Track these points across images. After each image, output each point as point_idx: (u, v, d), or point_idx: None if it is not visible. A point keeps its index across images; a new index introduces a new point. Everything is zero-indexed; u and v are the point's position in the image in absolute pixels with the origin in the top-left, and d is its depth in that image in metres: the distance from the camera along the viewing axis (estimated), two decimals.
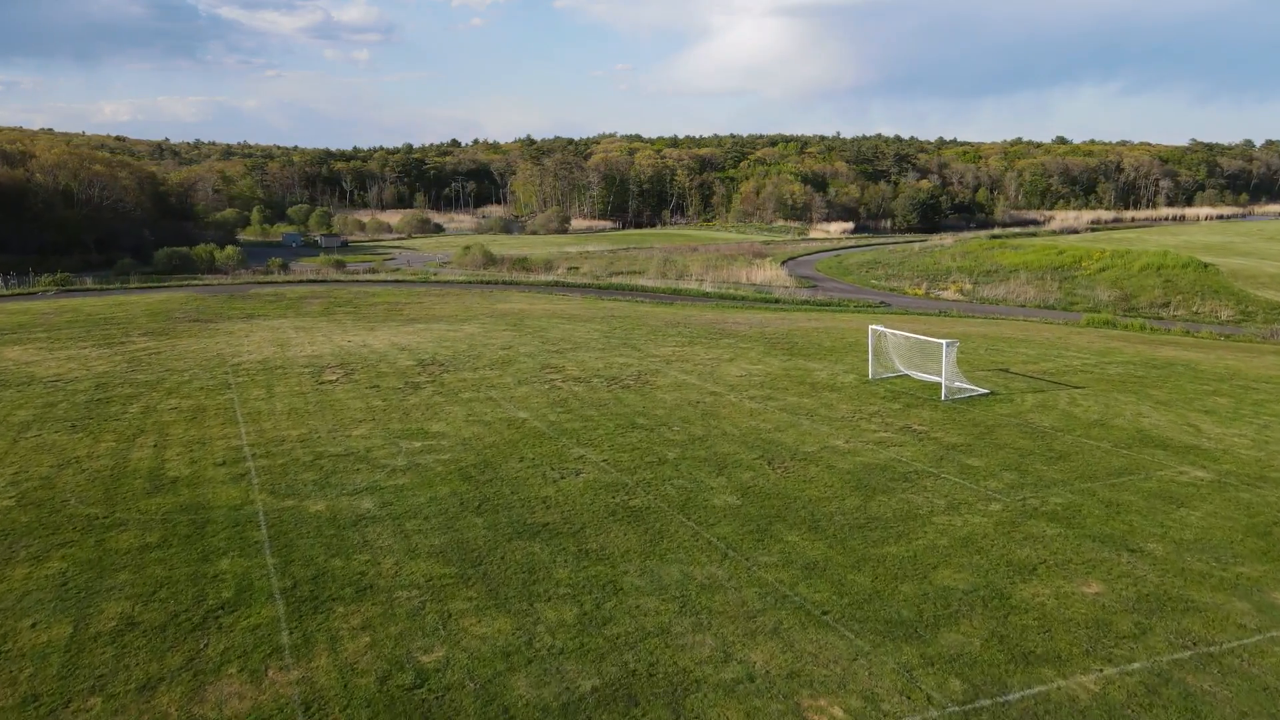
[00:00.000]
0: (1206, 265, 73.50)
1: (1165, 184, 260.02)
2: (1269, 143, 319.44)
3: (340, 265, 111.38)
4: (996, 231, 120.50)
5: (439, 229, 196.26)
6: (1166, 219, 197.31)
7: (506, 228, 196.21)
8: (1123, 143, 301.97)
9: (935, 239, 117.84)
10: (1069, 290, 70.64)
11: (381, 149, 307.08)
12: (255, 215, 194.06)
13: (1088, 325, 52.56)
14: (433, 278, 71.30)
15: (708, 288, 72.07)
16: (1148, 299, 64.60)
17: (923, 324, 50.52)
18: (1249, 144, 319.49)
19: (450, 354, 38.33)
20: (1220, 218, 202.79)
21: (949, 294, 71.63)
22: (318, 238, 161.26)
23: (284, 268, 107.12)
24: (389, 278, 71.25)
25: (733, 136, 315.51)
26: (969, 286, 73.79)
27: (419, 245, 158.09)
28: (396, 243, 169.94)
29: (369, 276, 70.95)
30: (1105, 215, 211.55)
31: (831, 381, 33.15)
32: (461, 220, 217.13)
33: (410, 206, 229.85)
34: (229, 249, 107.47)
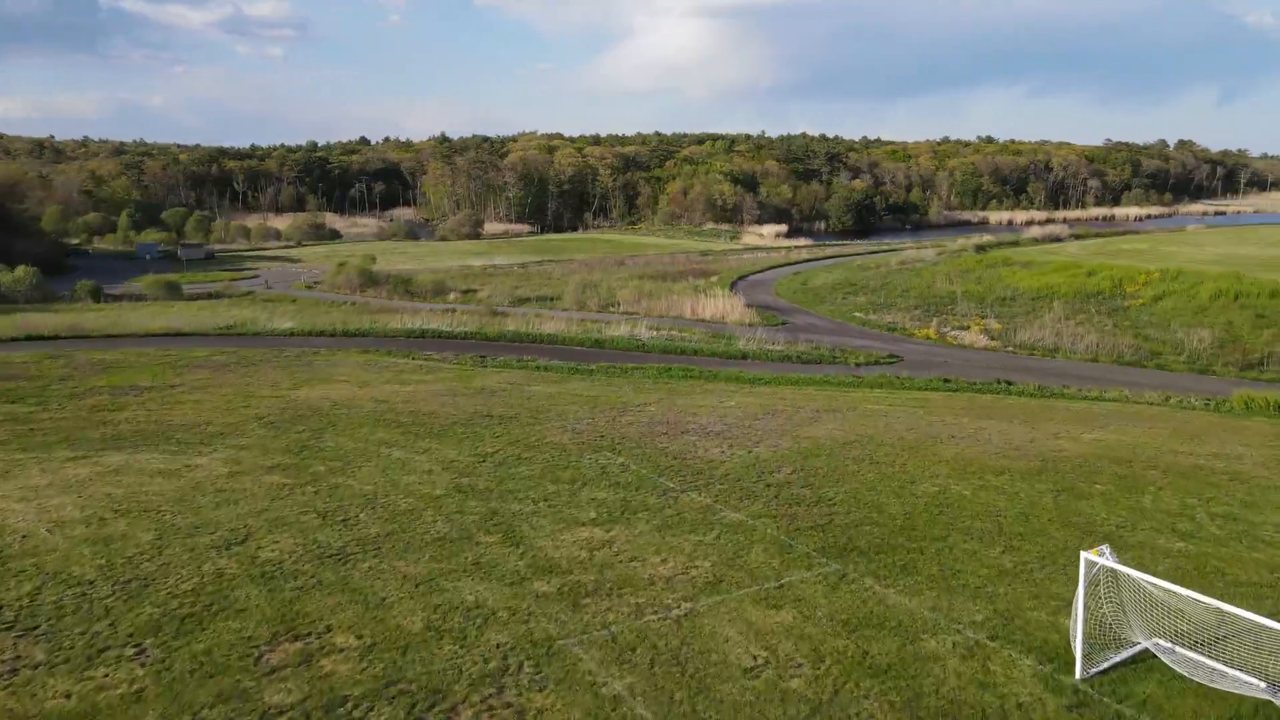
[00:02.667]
0: None
1: (1093, 183, 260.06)
2: (1181, 143, 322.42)
3: (173, 288, 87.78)
4: (983, 241, 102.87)
5: (335, 235, 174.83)
6: (1097, 219, 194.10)
7: (413, 233, 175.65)
8: (1043, 142, 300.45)
9: (910, 250, 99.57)
10: (1134, 329, 52.29)
11: (281, 147, 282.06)
12: (122, 220, 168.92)
13: (1247, 409, 33.80)
14: (232, 330, 49.10)
15: (643, 331, 51.66)
16: (1259, 348, 46.49)
17: (989, 411, 30.91)
18: (1164, 144, 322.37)
19: (53, 605, 17.01)
20: (1149, 218, 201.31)
21: (973, 336, 52.62)
22: (178, 249, 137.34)
23: (94, 294, 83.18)
24: (167, 328, 48.44)
25: (658, 135, 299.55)
26: (995, 325, 54.89)
27: (305, 255, 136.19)
28: (281, 251, 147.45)
29: (133, 329, 48.13)
30: (1038, 215, 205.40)
31: (994, 700, 13.03)
32: (365, 224, 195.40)
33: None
34: (20, 269, 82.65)
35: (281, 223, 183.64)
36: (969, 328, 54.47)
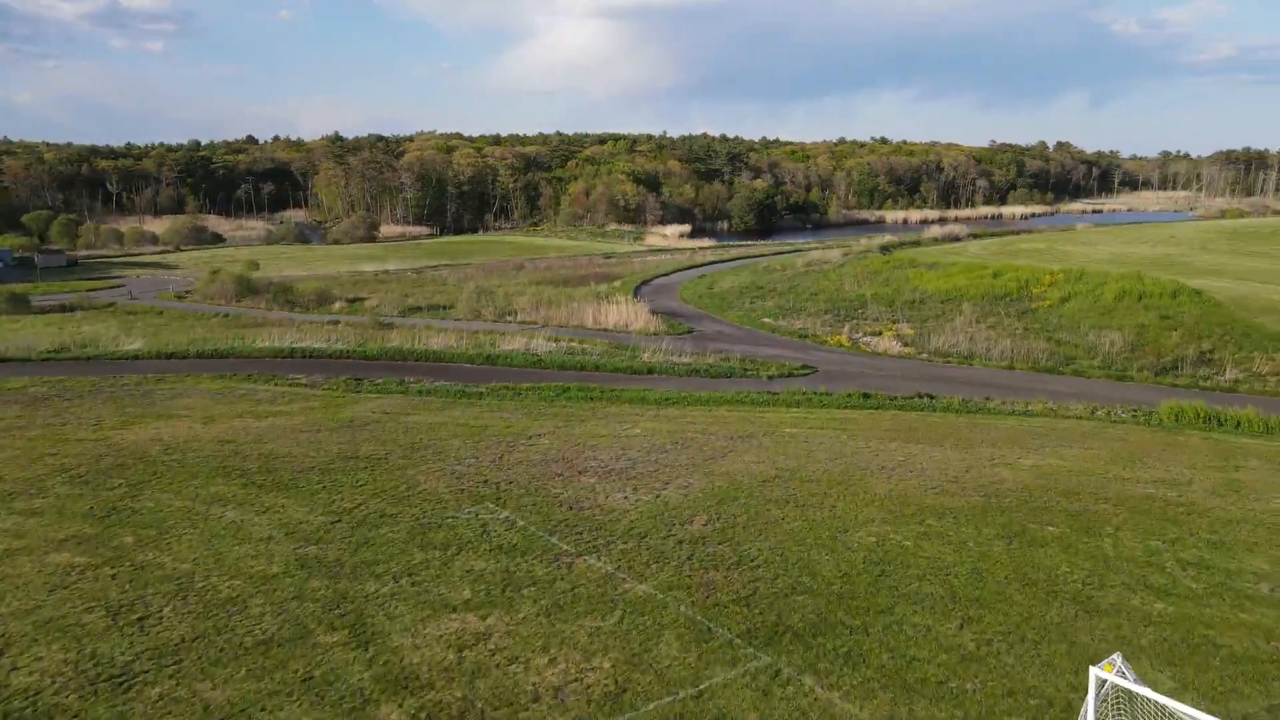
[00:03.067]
0: (1199, 292, 56.12)
1: (982, 183, 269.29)
2: (1060, 144, 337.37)
3: (20, 301, 79.18)
4: (886, 242, 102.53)
5: (218, 239, 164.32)
6: (987, 218, 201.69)
7: (303, 236, 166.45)
8: (934, 143, 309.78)
9: (816, 251, 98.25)
10: (1045, 333, 51.10)
11: (160, 146, 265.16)
12: None
13: (1177, 421, 32.19)
14: (64, 353, 42.95)
15: (541, 344, 47.81)
16: (1168, 350, 45.67)
17: (916, 433, 28.30)
18: (1044, 145, 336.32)
19: None
20: (1034, 216, 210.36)
21: (886, 343, 50.56)
22: (36, 255, 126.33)
23: None
24: None
25: (559, 134, 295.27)
26: (908, 330, 53.03)
27: (183, 261, 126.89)
28: (158, 257, 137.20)
29: None
30: (932, 214, 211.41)
31: None
32: (252, 227, 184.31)
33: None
34: None
35: (159, 226, 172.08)
36: (881, 333, 52.46)
